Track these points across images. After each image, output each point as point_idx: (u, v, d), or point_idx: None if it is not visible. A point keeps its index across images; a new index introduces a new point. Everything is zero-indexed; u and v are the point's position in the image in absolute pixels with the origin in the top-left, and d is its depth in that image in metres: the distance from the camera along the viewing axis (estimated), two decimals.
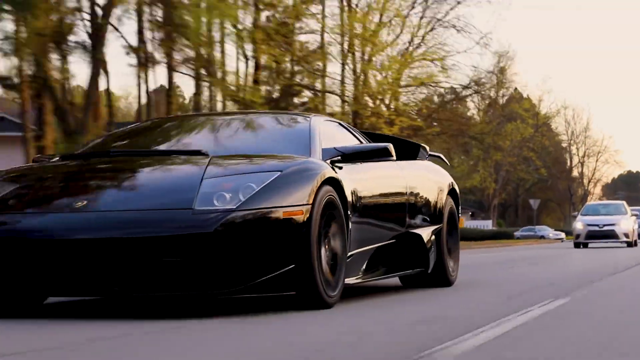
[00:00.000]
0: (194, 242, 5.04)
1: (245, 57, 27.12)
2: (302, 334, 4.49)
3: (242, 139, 6.56)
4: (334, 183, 5.86)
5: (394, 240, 7.15)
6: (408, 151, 8.04)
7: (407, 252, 7.34)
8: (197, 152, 5.94)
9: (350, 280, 6.18)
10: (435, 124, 38.46)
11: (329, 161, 6.19)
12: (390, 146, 6.44)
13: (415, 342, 4.08)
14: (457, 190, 8.39)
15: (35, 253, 5.12)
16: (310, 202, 5.50)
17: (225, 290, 5.13)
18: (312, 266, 5.45)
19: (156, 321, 5.01)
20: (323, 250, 5.64)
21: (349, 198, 6.12)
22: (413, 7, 35.61)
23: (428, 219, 7.69)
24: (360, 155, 6.39)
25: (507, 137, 53.51)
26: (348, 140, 6.96)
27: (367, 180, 6.66)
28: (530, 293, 7.08)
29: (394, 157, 6.48)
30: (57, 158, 6.40)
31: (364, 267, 6.62)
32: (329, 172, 5.80)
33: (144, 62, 22.83)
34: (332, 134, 6.88)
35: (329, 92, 30.96)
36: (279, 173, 5.48)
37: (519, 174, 68.03)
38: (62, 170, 5.83)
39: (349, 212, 6.08)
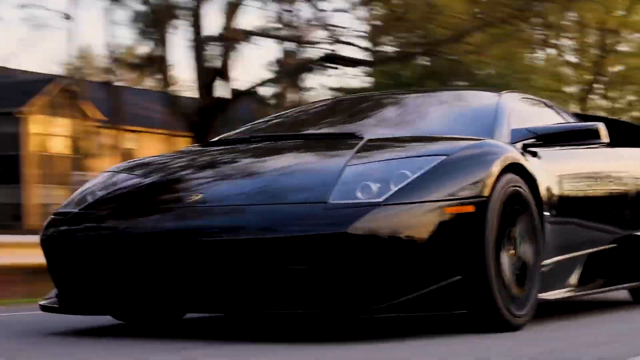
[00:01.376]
0: (324, 244, 3.93)
1: None
2: None
3: (410, 120, 5.38)
4: (522, 171, 4.59)
5: (613, 245, 5.75)
6: (637, 138, 6.58)
7: (633, 260, 5.92)
8: (350, 135, 4.84)
9: (549, 295, 4.87)
10: None
11: (520, 145, 4.92)
12: (601, 126, 5.08)
13: None
14: None
15: (121, 257, 4.21)
16: (487, 194, 4.27)
17: (365, 309, 3.98)
18: (488, 277, 4.22)
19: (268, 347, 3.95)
20: (505, 257, 4.38)
21: (544, 191, 4.82)
22: None
23: None
24: (560, 137, 5.04)
25: None
26: (554, 122, 5.63)
27: (572, 169, 5.32)
28: None
29: (606, 140, 5.10)
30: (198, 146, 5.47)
31: (571, 278, 5.29)
32: (514, 156, 4.54)
33: None
34: (532, 114, 5.58)
35: None
36: (443, 157, 4.29)
37: None
38: (186, 160, 4.88)
39: (543, 209, 4.78)
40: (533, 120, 5.40)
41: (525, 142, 4.97)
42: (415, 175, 4.16)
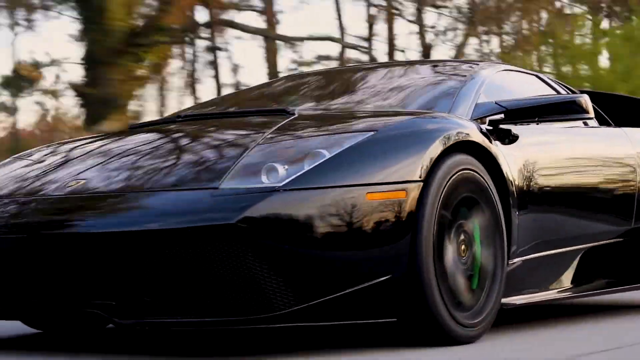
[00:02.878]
0: (209, 239, 3.21)
1: None
2: None
3: (371, 94, 4.62)
4: (481, 152, 3.82)
5: (618, 240, 4.92)
6: None
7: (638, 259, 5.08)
8: (281, 111, 4.11)
9: (517, 300, 4.08)
10: None
11: (487, 121, 4.14)
12: (584, 99, 4.26)
13: None
14: None
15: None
16: (422, 177, 3.51)
17: (262, 316, 3.25)
18: (423, 278, 3.46)
19: None
20: (450, 254, 3.62)
21: (513, 177, 4.03)
22: None
23: None
24: (534, 111, 4.23)
25: None
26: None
27: (557, 150, 4.51)
28: None
29: (590, 115, 4.28)
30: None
31: (554, 279, 4.49)
32: (468, 133, 3.77)
33: None
34: (516, 88, 4.79)
35: None
36: (371, 134, 3.54)
37: None
38: (93, 143, 4.20)
39: (512, 198, 3.99)
40: (515, 94, 4.61)
41: (492, 117, 4.19)
42: (332, 154, 3.42)
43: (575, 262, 4.61)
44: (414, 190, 3.47)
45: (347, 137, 3.52)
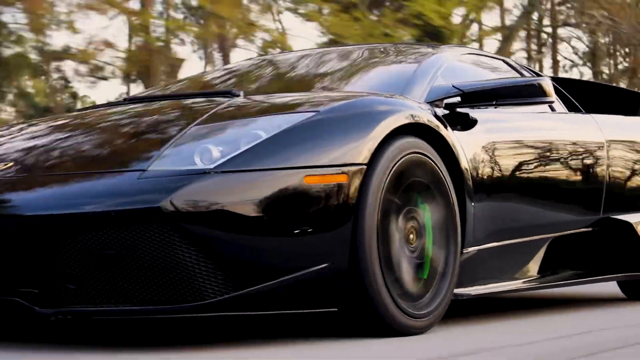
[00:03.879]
0: (134, 224, 3.04)
1: None
2: None
3: (325, 77, 4.45)
4: (433, 136, 3.65)
5: (585, 230, 4.75)
6: (624, 103, 5.55)
7: (609, 249, 4.91)
8: (226, 93, 3.93)
9: (473, 290, 3.91)
10: None
11: (443, 104, 3.98)
12: (545, 82, 4.08)
13: None
14: None
15: None
16: (365, 161, 3.34)
17: (191, 305, 3.08)
18: (365, 265, 3.29)
19: None
20: (397, 242, 3.45)
21: (467, 161, 3.86)
22: None
23: None
24: (492, 94, 4.05)
25: None
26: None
27: (518, 135, 4.33)
28: None
29: (551, 99, 4.09)
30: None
31: (523, 268, 4.33)
32: (418, 115, 3.60)
33: None
34: (478, 72, 4.62)
35: None
36: (311, 114, 3.37)
37: None
38: (39, 125, 4.02)
39: (468, 185, 3.82)
40: (478, 78, 4.44)
41: (449, 101, 4.02)
42: (270, 136, 3.25)
43: (540, 252, 4.45)
44: (357, 174, 3.30)
45: (287, 118, 3.35)
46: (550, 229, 4.46)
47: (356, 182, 3.29)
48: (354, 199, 3.28)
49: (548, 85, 4.06)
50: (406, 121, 3.52)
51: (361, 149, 3.32)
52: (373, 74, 4.35)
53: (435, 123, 3.67)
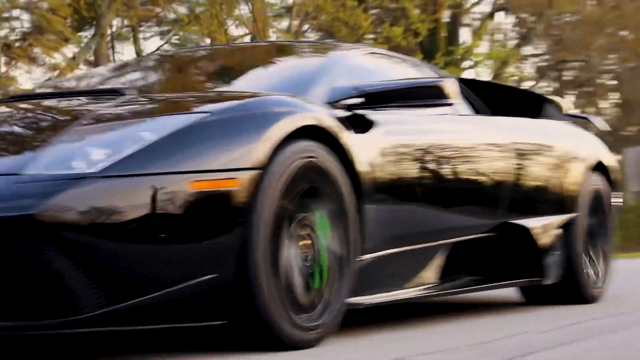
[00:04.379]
0: (7, 232, 2.83)
1: None
2: None
3: (223, 76, 4.29)
4: (329, 139, 3.51)
5: (486, 235, 4.67)
6: (528, 106, 5.49)
7: (508, 254, 4.84)
8: (113, 91, 3.72)
9: (369, 299, 3.79)
10: None
11: (343, 105, 3.84)
12: (449, 84, 3.96)
13: None
14: (611, 166, 5.72)
15: None
16: (258, 165, 3.18)
17: (64, 320, 2.88)
18: (253, 276, 3.13)
19: None
20: (288, 249, 3.30)
21: (364, 165, 3.72)
22: None
23: (548, 206, 5.12)
24: (393, 96, 3.92)
25: None
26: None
27: (419, 138, 4.21)
28: None
29: (452, 101, 3.98)
30: None
31: (421, 275, 4.23)
32: (316, 117, 3.45)
33: None
34: (382, 72, 4.49)
35: None
36: (202, 116, 3.19)
37: None
38: None
39: (364, 189, 3.69)
40: (382, 78, 4.32)
41: (349, 102, 3.88)
42: (157, 138, 3.06)
43: (439, 258, 4.35)
44: (248, 179, 3.13)
45: (177, 119, 3.17)
46: (450, 234, 4.37)
47: (248, 188, 3.13)
48: (245, 205, 3.12)
49: (451, 87, 3.94)
50: (303, 123, 3.37)
51: (254, 153, 3.16)
52: (272, 72, 4.19)
53: (334, 126, 3.53)
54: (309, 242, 3.42)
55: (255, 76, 4.17)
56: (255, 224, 3.13)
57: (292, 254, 3.31)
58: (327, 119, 3.53)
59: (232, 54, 4.60)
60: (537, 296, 5.25)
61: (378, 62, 4.55)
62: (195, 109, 3.27)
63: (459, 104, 4.50)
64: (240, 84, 4.08)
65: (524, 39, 24.99)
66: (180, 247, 3.00)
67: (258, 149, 3.17)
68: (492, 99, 5.39)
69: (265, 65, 4.35)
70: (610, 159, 5.70)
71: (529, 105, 5.49)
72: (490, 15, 24.41)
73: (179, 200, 2.99)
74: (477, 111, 5.00)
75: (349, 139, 3.61)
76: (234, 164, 3.11)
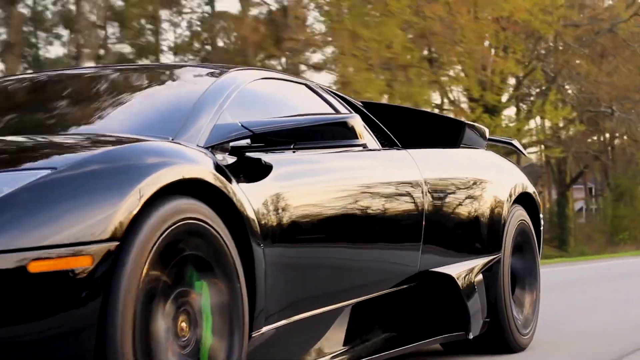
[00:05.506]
0: None
1: None
2: None
3: (78, 109, 3.57)
4: (210, 192, 2.86)
5: (400, 288, 4.07)
6: (443, 134, 4.91)
7: (428, 308, 4.25)
8: None
9: None
10: None
11: (228, 147, 3.19)
12: (354, 120, 3.33)
13: None
14: (535, 197, 5.18)
15: None
16: (119, 235, 2.51)
17: None
18: None
19: None
20: (162, 334, 2.64)
21: (258, 223, 3.05)
22: None
23: (470, 247, 4.55)
24: (289, 135, 3.27)
25: None
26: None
27: (321, 183, 3.57)
28: None
29: (360, 141, 3.35)
30: None
31: (325, 342, 3.60)
32: (192, 167, 2.80)
33: None
34: (279, 103, 3.86)
35: None
36: (46, 171, 2.51)
37: None
38: None
39: (259, 252, 3.04)
40: (276, 110, 3.68)
41: (237, 143, 3.23)
42: None
43: (346, 320, 3.72)
44: (106, 254, 2.46)
45: (9, 177, 2.48)
46: (358, 292, 3.75)
47: (104, 265, 2.46)
48: (102, 286, 2.45)
49: (357, 124, 3.32)
50: (178, 177, 2.71)
51: (112, 220, 2.49)
52: (141, 107, 3.48)
53: (217, 178, 2.88)
54: (189, 322, 2.76)
55: (113, 112, 3.46)
56: (116, 307, 2.46)
57: (167, 338, 2.65)
58: (210, 169, 2.88)
59: (80, 81, 3.85)
60: (457, 346, 4.67)
61: (271, 88, 3.88)
62: (34, 164, 2.58)
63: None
64: (93, 124, 3.36)
65: None
66: (21, 341, 2.32)
67: (117, 215, 2.50)
68: (403, 126, 4.80)
69: (133, 97, 3.63)
70: (532, 189, 5.16)
71: (444, 132, 4.91)
72: None
73: (15, 285, 2.31)
74: (385, 142, 4.38)
75: (237, 192, 2.96)
76: (86, 236, 2.44)
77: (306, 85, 4.16)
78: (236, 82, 3.59)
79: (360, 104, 4.67)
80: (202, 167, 2.84)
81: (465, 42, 22.10)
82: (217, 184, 2.86)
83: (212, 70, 3.73)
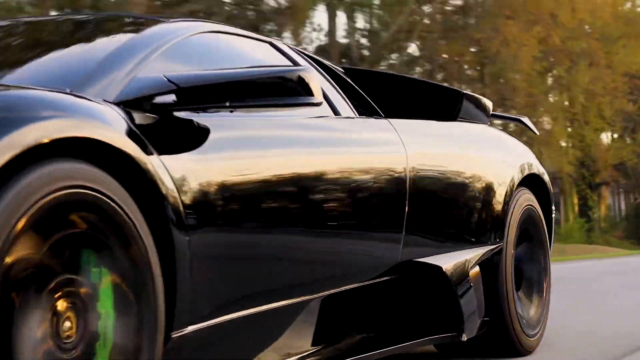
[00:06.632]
0: None
1: None
2: None
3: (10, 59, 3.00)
4: (114, 157, 2.27)
5: (379, 281, 3.46)
6: (438, 105, 4.28)
7: (414, 305, 3.64)
8: None
9: None
10: None
11: (148, 105, 2.58)
12: (308, 74, 2.71)
13: None
14: (546, 179, 4.55)
15: None
16: None
17: None
18: None
19: None
20: (32, 335, 2.06)
21: (180, 200, 2.45)
22: None
23: (466, 235, 3.92)
24: (224, 91, 2.64)
25: None
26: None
27: (269, 157, 2.92)
28: None
29: (315, 99, 2.71)
30: None
31: (289, 343, 3.00)
32: (90, 126, 2.21)
33: None
34: (231, 60, 3.26)
35: None
36: None
37: None
38: None
39: (181, 233, 2.44)
40: (219, 66, 3.06)
41: (161, 99, 2.62)
42: None
43: (313, 317, 3.12)
44: None
45: None
46: (320, 285, 3.14)
47: None
48: None
49: (312, 79, 2.70)
50: (59, 135, 2.12)
51: None
52: (52, 58, 2.90)
53: (124, 140, 2.29)
54: (76, 318, 2.17)
55: (20, 63, 2.87)
56: None
57: (41, 341, 2.06)
58: (115, 127, 2.29)
59: (15, 29, 3.29)
60: (452, 347, 4.06)
61: (223, 43, 3.28)
62: None
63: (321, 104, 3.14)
64: (30, 72, 2.77)
65: None
66: None
67: None
68: (393, 96, 4.19)
69: (43, 47, 3.05)
70: (542, 170, 4.53)
71: (442, 103, 4.28)
72: None
73: None
74: (363, 111, 3.75)
75: (155, 161, 2.38)
76: None
77: (270, 43, 3.55)
78: (174, 34, 2.99)
79: (341, 69, 4.07)
80: (104, 127, 2.25)
81: None
82: (125, 148, 2.27)
83: (153, 20, 3.13)
